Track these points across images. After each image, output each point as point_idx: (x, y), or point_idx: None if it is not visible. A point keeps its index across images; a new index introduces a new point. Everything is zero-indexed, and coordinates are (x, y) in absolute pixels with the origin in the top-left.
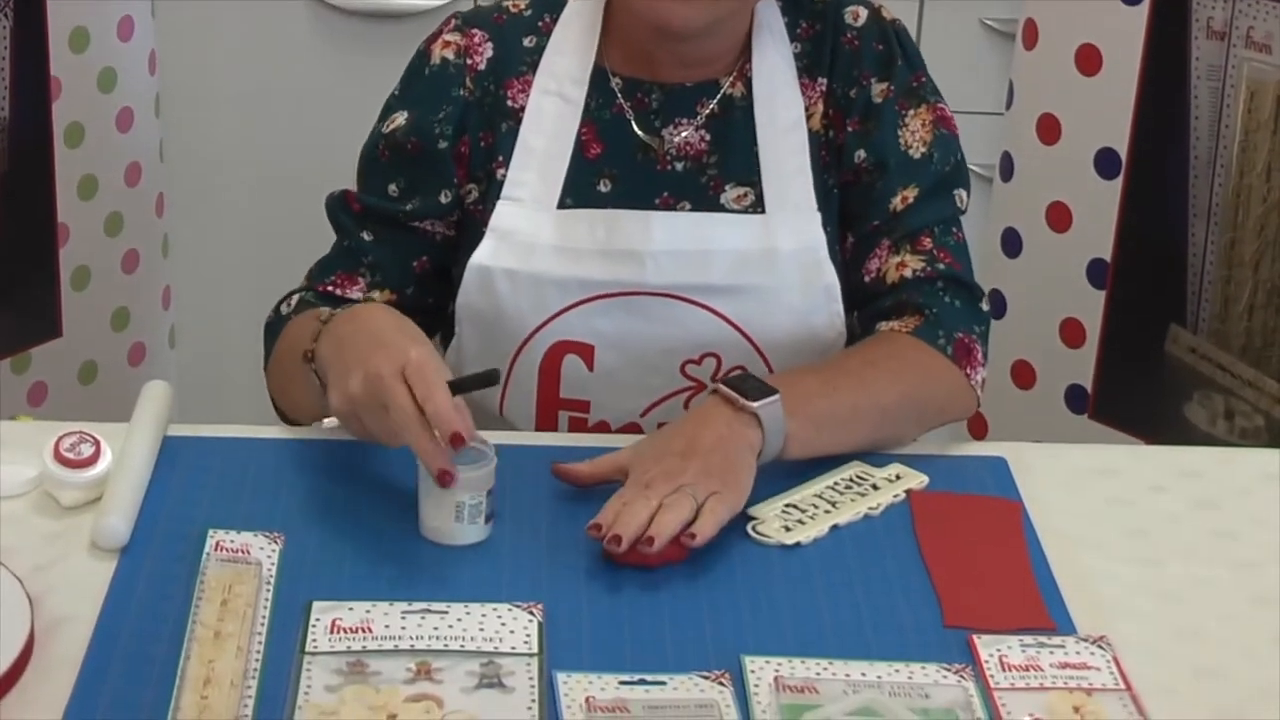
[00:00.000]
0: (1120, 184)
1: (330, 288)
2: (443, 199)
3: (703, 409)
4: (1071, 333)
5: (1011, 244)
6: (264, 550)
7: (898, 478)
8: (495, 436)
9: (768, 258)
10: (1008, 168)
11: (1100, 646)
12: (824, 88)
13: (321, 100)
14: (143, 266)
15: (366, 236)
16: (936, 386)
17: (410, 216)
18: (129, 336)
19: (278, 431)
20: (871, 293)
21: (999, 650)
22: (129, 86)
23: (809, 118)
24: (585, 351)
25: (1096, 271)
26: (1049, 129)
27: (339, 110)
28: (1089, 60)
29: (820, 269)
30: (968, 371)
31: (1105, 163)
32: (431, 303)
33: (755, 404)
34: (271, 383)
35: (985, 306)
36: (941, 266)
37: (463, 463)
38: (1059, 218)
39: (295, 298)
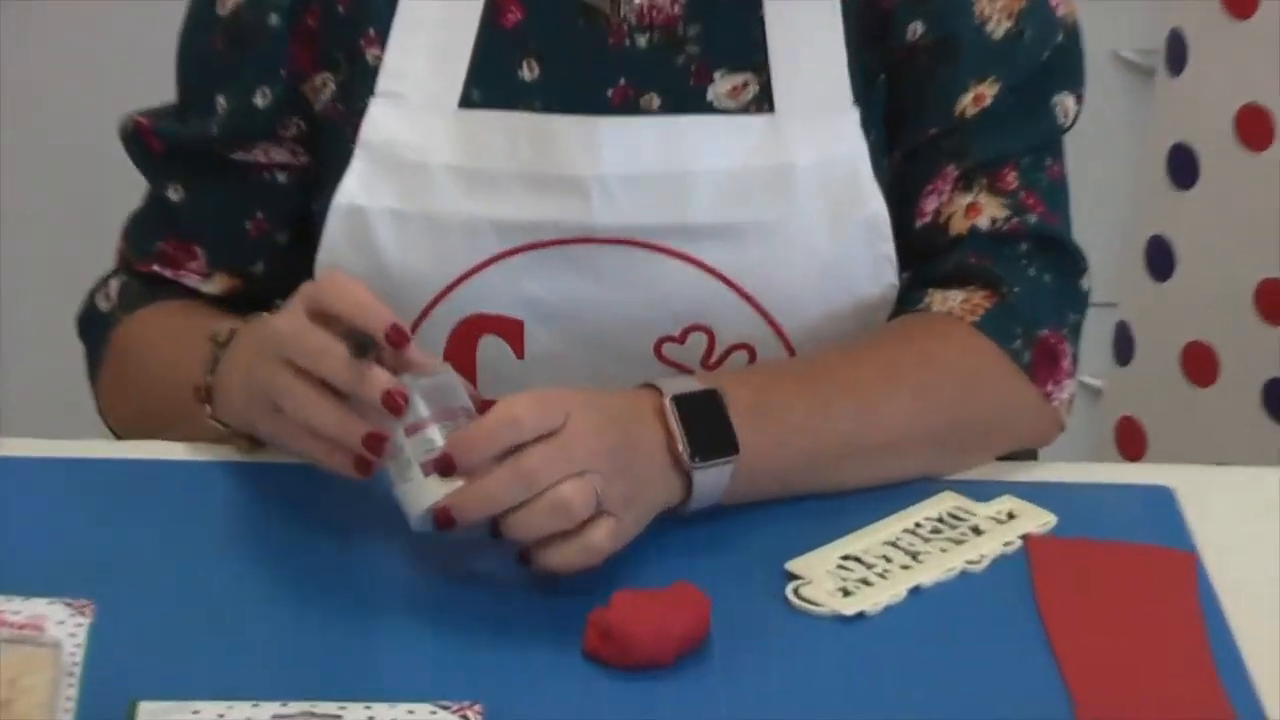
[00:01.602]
0: None
1: (157, 267)
2: (258, 101)
3: (647, 406)
4: (1274, 302)
5: (1183, 168)
6: (64, 625)
7: (1010, 516)
8: None
9: (778, 180)
10: (1178, 54)
11: None
12: None
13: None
14: None
15: (174, 195)
16: (991, 412)
17: (225, 145)
18: None
19: (93, 449)
20: (925, 244)
21: None
22: None
23: None
24: (510, 330)
25: None
26: None
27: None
28: None
29: (859, 194)
30: (1049, 389)
31: None
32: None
33: (697, 465)
34: (114, 403)
35: (1086, 284)
36: (1032, 219)
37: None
38: (1254, 129)
39: (114, 285)
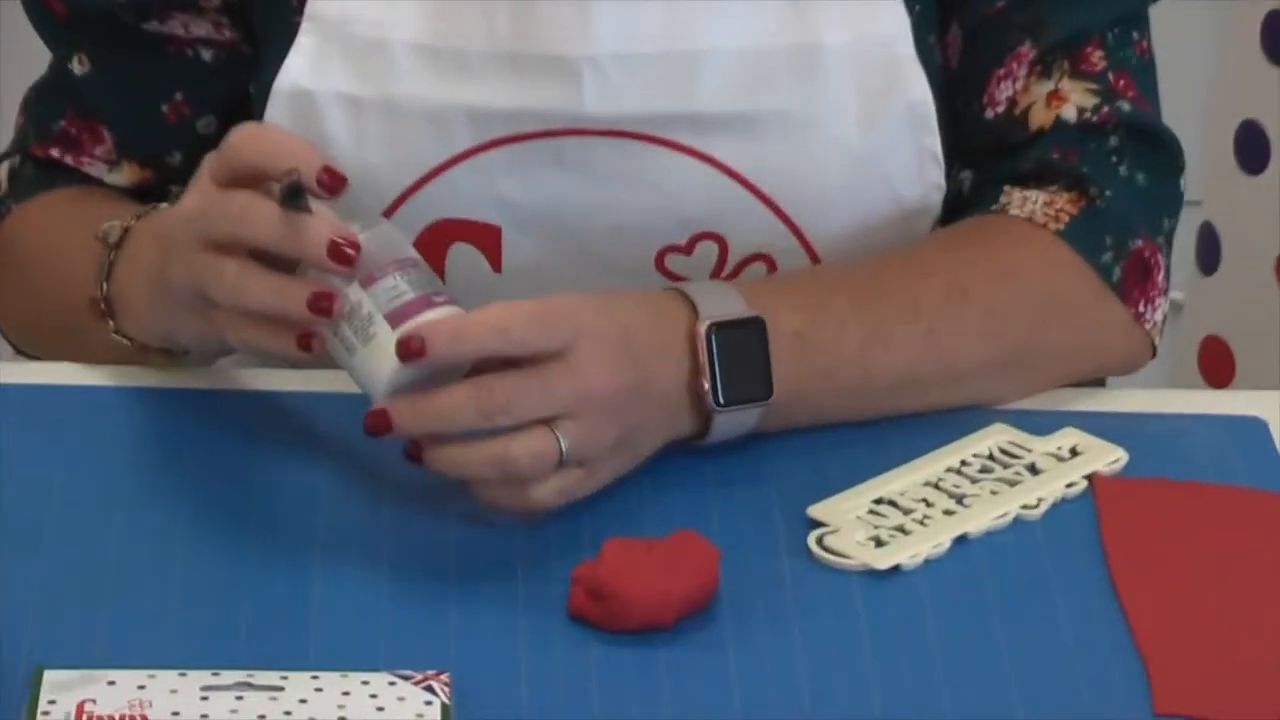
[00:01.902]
0: None
1: (56, 151)
2: None
3: (678, 328)
4: None
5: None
6: None
7: (1073, 453)
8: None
9: (802, 62)
10: None
11: None
12: None
13: None
14: None
15: (79, 68)
16: (1072, 337)
17: (133, 13)
18: None
19: None
20: (997, 137)
21: None
22: None
23: None
24: (486, 237)
25: None
26: None
27: None
28: None
29: (898, 77)
30: (1140, 308)
31: None
32: None
33: (720, 411)
34: (5, 308)
35: (1183, 183)
36: (1125, 106)
37: None
38: None
39: (4, 169)
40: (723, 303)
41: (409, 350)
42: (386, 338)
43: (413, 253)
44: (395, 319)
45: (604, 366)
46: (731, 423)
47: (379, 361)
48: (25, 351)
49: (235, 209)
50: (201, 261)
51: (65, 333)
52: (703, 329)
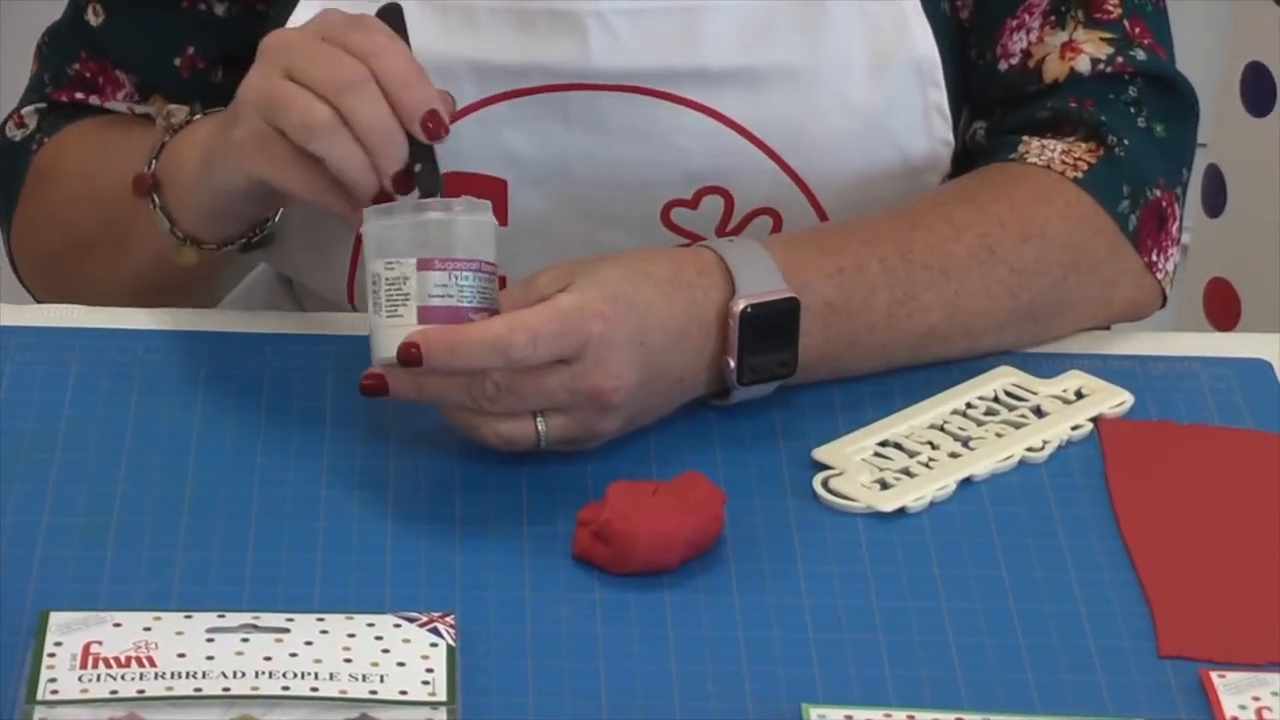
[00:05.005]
0: None
1: (80, 93)
2: None
3: (709, 310)
4: None
5: None
6: None
7: (1079, 395)
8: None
9: (809, 15)
10: None
11: None
12: None
13: None
14: None
15: (94, 17)
16: (1089, 290)
17: None
18: None
19: None
20: (1010, 89)
21: (1256, 698)
22: None
23: None
24: (492, 191)
25: None
26: None
27: None
28: None
29: (905, 31)
30: (1153, 258)
31: None
32: None
33: (740, 387)
34: (30, 238)
35: (1196, 131)
36: (1141, 55)
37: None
38: None
39: (30, 112)
40: (761, 276)
41: (406, 356)
42: (406, 325)
43: (491, 256)
44: (425, 315)
45: (608, 371)
46: (750, 392)
47: (388, 338)
48: (41, 287)
49: (354, 39)
50: (285, 89)
51: (102, 235)
52: (738, 309)
